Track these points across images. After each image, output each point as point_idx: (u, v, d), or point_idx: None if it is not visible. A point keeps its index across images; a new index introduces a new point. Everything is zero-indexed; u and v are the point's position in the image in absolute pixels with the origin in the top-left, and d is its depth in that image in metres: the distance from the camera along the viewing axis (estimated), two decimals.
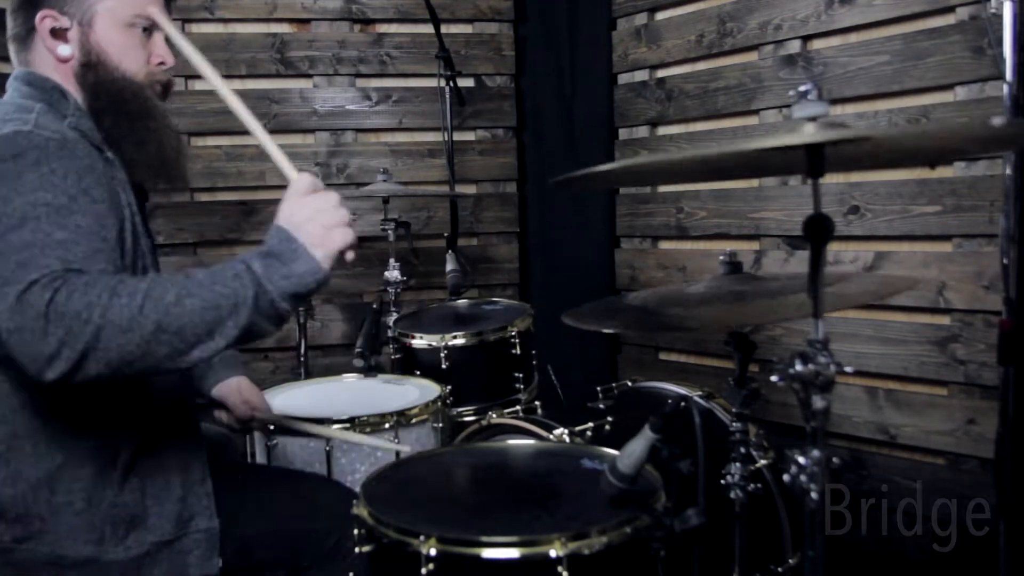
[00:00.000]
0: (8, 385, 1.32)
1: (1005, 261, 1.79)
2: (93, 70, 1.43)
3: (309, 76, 3.31)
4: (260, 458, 1.98)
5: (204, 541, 1.42)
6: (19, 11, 1.45)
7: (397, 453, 1.83)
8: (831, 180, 2.57)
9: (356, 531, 1.35)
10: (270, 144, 1.40)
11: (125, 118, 1.44)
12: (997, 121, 1.05)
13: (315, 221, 1.23)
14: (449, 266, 2.73)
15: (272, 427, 1.88)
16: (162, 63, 1.51)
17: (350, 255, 1.25)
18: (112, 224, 1.31)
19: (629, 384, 2.18)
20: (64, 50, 1.43)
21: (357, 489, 1.49)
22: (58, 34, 1.43)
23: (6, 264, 1.16)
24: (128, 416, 1.38)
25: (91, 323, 1.11)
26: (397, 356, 2.47)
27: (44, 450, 1.33)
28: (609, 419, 2.06)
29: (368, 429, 1.91)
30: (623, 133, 3.31)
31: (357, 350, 2.27)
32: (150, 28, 1.48)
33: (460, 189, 3.24)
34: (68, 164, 1.28)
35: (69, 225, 1.21)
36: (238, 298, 1.17)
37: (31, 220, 1.19)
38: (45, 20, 1.42)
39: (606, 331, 2.84)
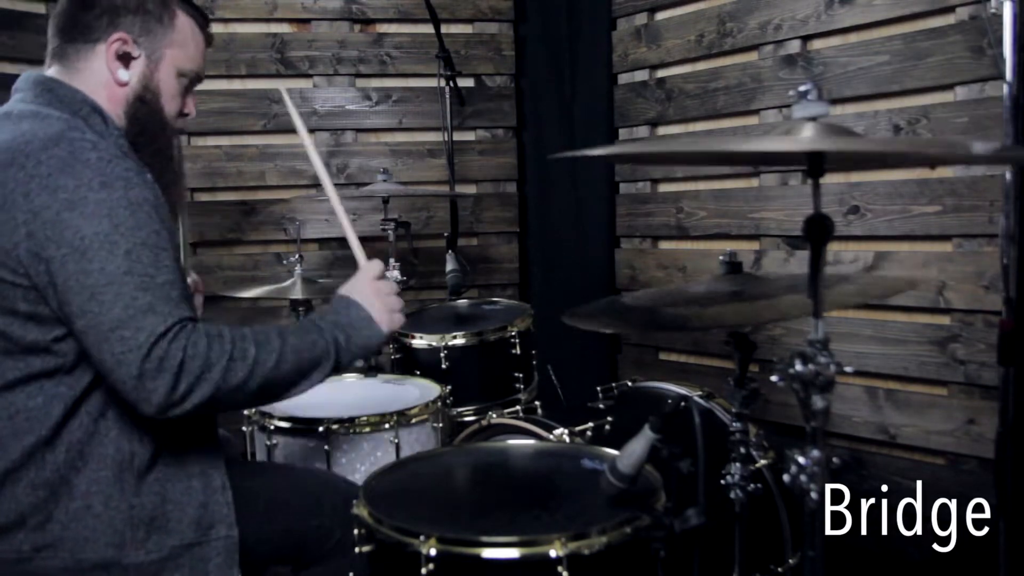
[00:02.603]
0: (42, 399, 1.33)
1: (1005, 261, 1.79)
2: (146, 105, 1.48)
3: (309, 76, 3.30)
4: (260, 457, 1.98)
5: (224, 550, 1.41)
6: (94, 12, 1.45)
7: None
8: (831, 180, 2.57)
9: (356, 531, 1.36)
10: (348, 227, 1.72)
11: (159, 157, 1.48)
12: (979, 147, 1.04)
13: (384, 304, 1.53)
14: (449, 266, 2.73)
15: None
16: (187, 114, 1.58)
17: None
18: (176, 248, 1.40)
19: (629, 384, 2.18)
20: (124, 75, 1.46)
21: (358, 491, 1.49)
22: (124, 59, 1.46)
23: (119, 306, 1.25)
24: (144, 422, 1.38)
25: (211, 382, 1.29)
26: (397, 356, 2.47)
27: (64, 457, 1.33)
28: (609, 419, 2.06)
29: (368, 429, 1.91)
30: (623, 133, 3.31)
31: None
32: (193, 82, 1.56)
33: (460, 189, 3.23)
34: (146, 194, 1.34)
35: (163, 265, 1.31)
36: (322, 362, 1.43)
37: (135, 262, 1.28)
38: (117, 43, 1.45)
39: (606, 331, 2.85)
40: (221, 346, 1.31)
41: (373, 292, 1.53)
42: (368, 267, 1.59)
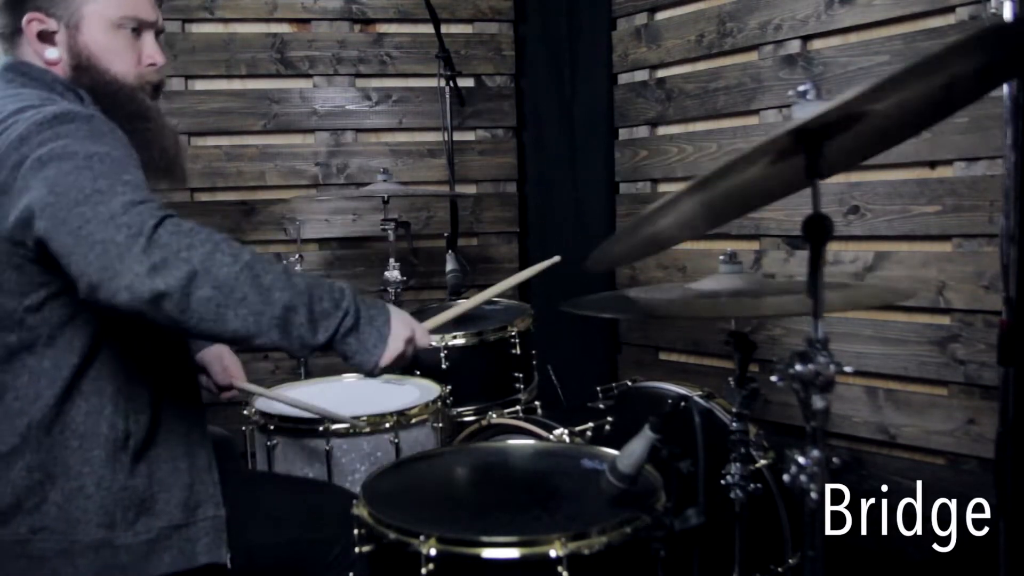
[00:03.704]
0: (28, 376, 1.33)
1: (1005, 261, 1.79)
2: (86, 73, 1.43)
3: (309, 76, 3.30)
4: (260, 457, 1.98)
5: (212, 529, 1.42)
6: (4, 11, 1.44)
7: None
8: (831, 180, 2.57)
9: (356, 531, 1.36)
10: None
11: (124, 121, 1.43)
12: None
13: (402, 344, 1.39)
14: (449, 266, 2.73)
15: (248, 397, 1.99)
16: (152, 64, 1.50)
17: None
18: None
19: (629, 384, 2.18)
20: (51, 53, 1.42)
21: (358, 491, 1.49)
22: (45, 37, 1.42)
23: (76, 188, 1.18)
24: (139, 401, 1.39)
25: (189, 264, 1.16)
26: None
27: (59, 438, 1.34)
28: (609, 419, 2.06)
29: (368, 429, 1.91)
30: (623, 133, 3.31)
31: None
32: (139, 28, 1.47)
33: (460, 189, 3.23)
34: (117, 135, 1.31)
35: (128, 173, 1.24)
36: (325, 321, 1.28)
37: (96, 163, 1.21)
38: (32, 23, 1.41)
39: (605, 315, 2.83)
40: (211, 233, 1.23)
41: (402, 334, 1.40)
42: (423, 327, 1.48)
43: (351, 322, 1.31)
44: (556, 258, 1.93)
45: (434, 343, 2.36)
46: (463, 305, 1.80)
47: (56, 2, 1.42)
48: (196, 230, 1.21)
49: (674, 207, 1.15)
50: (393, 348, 1.37)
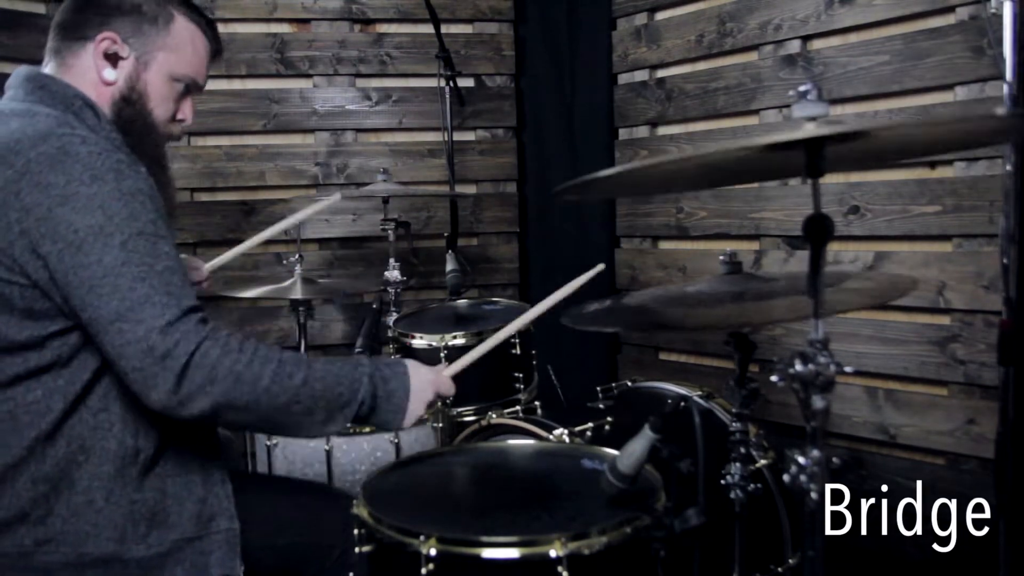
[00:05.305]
0: (41, 392, 1.33)
1: (1005, 261, 1.79)
2: (131, 106, 1.47)
3: (309, 76, 3.30)
4: (260, 457, 1.98)
5: (225, 542, 1.42)
6: (88, 11, 1.45)
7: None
8: (831, 180, 2.57)
9: (356, 531, 1.36)
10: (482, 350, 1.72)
11: (146, 161, 1.45)
12: (1001, 110, 1.05)
13: (419, 408, 1.49)
14: (449, 266, 2.73)
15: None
16: (183, 120, 1.56)
17: None
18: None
19: (629, 384, 2.18)
20: (110, 74, 1.46)
21: (358, 490, 1.49)
22: (111, 58, 1.45)
23: (116, 298, 1.25)
24: (148, 418, 1.38)
25: (211, 396, 1.27)
26: (397, 356, 2.47)
27: (64, 451, 1.34)
28: (609, 419, 2.06)
29: (368, 429, 1.92)
30: (623, 133, 3.31)
31: (357, 350, 2.27)
32: (189, 89, 1.54)
33: (460, 189, 3.23)
34: (140, 184, 1.33)
35: (161, 253, 1.30)
36: (337, 416, 1.39)
37: (132, 252, 1.27)
38: (105, 41, 1.44)
39: (607, 330, 2.84)
40: (233, 362, 1.29)
41: (424, 397, 1.50)
42: (446, 380, 1.57)
43: (368, 406, 1.42)
44: (600, 266, 1.93)
45: (434, 344, 2.36)
46: (487, 343, 1.77)
47: (137, 34, 1.46)
48: (219, 362, 1.28)
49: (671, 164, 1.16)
50: (413, 413, 1.47)
